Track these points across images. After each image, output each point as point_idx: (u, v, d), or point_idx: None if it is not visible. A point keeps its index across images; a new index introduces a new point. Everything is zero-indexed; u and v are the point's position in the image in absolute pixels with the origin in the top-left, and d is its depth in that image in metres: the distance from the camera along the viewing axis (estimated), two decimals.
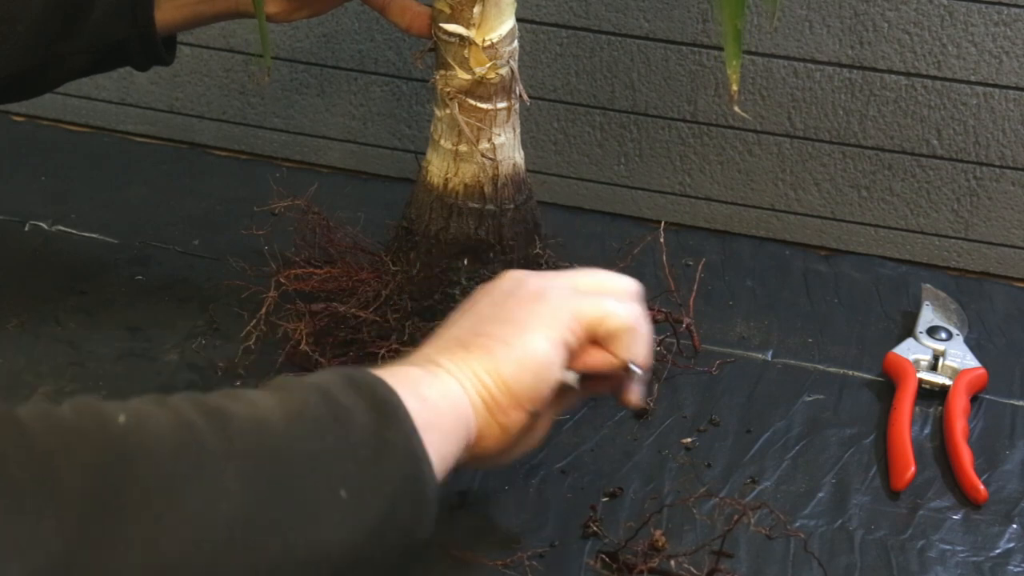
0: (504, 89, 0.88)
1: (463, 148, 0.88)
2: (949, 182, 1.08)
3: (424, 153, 0.92)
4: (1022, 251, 1.09)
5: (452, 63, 0.87)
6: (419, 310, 0.90)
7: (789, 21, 1.04)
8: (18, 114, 1.23)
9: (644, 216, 1.14)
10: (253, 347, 0.91)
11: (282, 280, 0.94)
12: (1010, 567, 0.80)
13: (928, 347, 0.96)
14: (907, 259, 1.11)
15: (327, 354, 0.89)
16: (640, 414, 0.90)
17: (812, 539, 0.80)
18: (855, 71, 1.05)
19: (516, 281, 0.73)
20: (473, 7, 0.85)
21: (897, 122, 1.06)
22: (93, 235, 1.06)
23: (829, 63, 1.05)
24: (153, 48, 0.90)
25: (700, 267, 1.01)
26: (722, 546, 0.77)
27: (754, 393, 0.93)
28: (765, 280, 1.07)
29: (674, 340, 0.95)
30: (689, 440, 0.88)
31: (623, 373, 0.73)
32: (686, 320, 0.95)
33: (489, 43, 0.86)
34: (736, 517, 0.78)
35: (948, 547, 0.81)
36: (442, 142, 0.89)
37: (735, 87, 0.77)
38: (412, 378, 0.66)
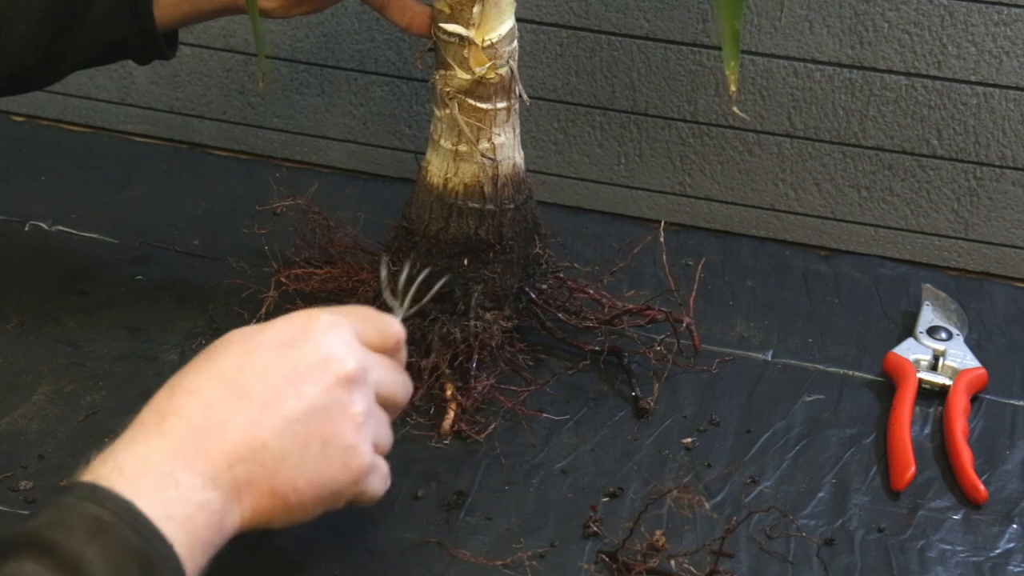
0: (504, 89, 0.88)
1: (463, 148, 0.88)
2: (949, 182, 1.08)
3: (424, 153, 0.92)
4: (1022, 251, 1.09)
5: (452, 63, 0.87)
6: (418, 311, 0.90)
7: (789, 21, 1.04)
8: (18, 114, 1.23)
9: (644, 216, 1.14)
10: None
11: (282, 280, 0.94)
12: (1010, 567, 0.80)
13: (928, 347, 0.96)
14: (907, 259, 1.11)
15: None
16: (640, 414, 0.90)
17: (812, 539, 0.80)
18: (855, 71, 1.05)
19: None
20: (473, 7, 0.85)
21: (897, 122, 1.06)
22: (93, 235, 1.06)
23: (829, 63, 1.05)
24: (154, 44, 0.91)
25: (700, 267, 1.01)
26: (722, 546, 0.77)
27: (754, 393, 0.93)
28: (765, 280, 1.07)
29: (674, 340, 0.95)
30: (689, 440, 0.88)
31: None
32: (686, 320, 0.95)
33: (489, 43, 0.86)
34: (736, 519, 0.78)
35: (948, 547, 0.81)
36: (442, 142, 0.89)
37: (734, 88, 0.77)
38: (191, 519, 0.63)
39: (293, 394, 0.67)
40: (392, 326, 0.75)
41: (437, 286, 0.86)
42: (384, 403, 0.73)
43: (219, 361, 0.68)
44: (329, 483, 0.68)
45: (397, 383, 0.75)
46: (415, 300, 0.82)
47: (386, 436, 0.73)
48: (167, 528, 0.60)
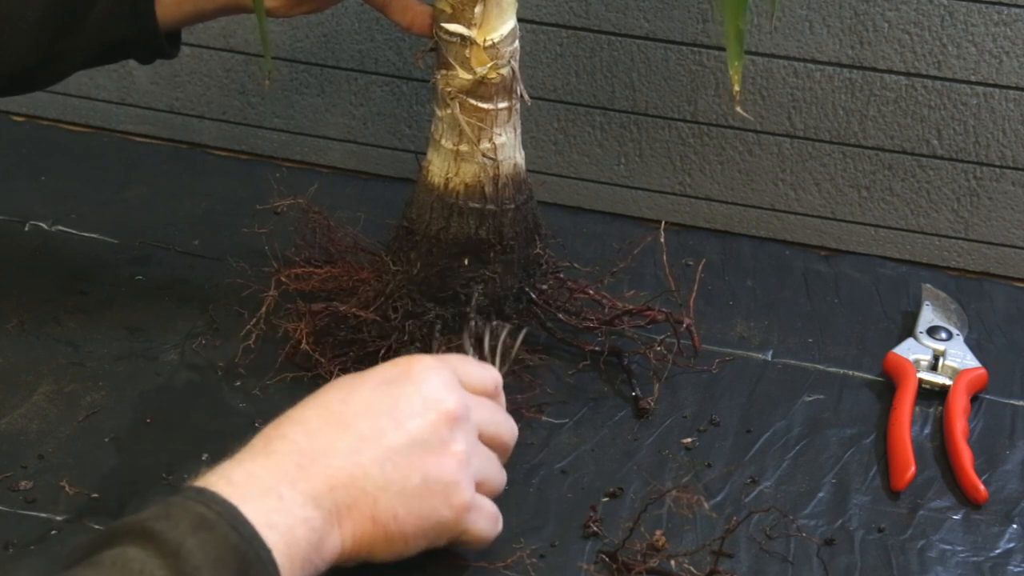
0: (505, 89, 0.88)
1: (464, 148, 0.88)
2: (949, 182, 1.08)
3: (424, 153, 0.92)
4: (1022, 251, 1.09)
5: (453, 63, 0.87)
6: (419, 311, 0.90)
7: (789, 21, 1.04)
8: (18, 114, 1.23)
9: (644, 216, 1.14)
10: (253, 346, 0.91)
11: (283, 279, 0.94)
12: (1010, 567, 0.80)
13: (928, 347, 0.96)
14: (907, 259, 1.11)
15: (327, 354, 0.90)
16: (640, 414, 0.90)
17: (812, 539, 0.80)
18: (855, 71, 1.05)
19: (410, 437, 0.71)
20: (474, 7, 0.85)
21: (897, 122, 1.06)
22: (93, 235, 1.06)
23: (829, 63, 1.05)
24: (155, 43, 0.91)
25: (700, 267, 1.01)
26: (722, 546, 0.77)
27: (754, 393, 0.93)
28: (765, 280, 1.07)
29: (674, 340, 0.95)
30: (689, 440, 0.88)
31: None
32: (686, 320, 0.95)
33: (490, 43, 0.86)
34: (736, 519, 0.78)
35: (948, 547, 0.81)
36: (443, 142, 0.89)
37: (737, 88, 0.77)
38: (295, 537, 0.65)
39: (394, 428, 0.70)
40: (489, 370, 0.79)
41: (519, 337, 0.88)
42: (490, 443, 0.76)
43: (325, 396, 0.72)
44: (430, 515, 0.70)
45: (501, 424, 0.77)
46: (504, 356, 0.85)
47: (495, 475, 0.76)
48: (268, 535, 0.63)
